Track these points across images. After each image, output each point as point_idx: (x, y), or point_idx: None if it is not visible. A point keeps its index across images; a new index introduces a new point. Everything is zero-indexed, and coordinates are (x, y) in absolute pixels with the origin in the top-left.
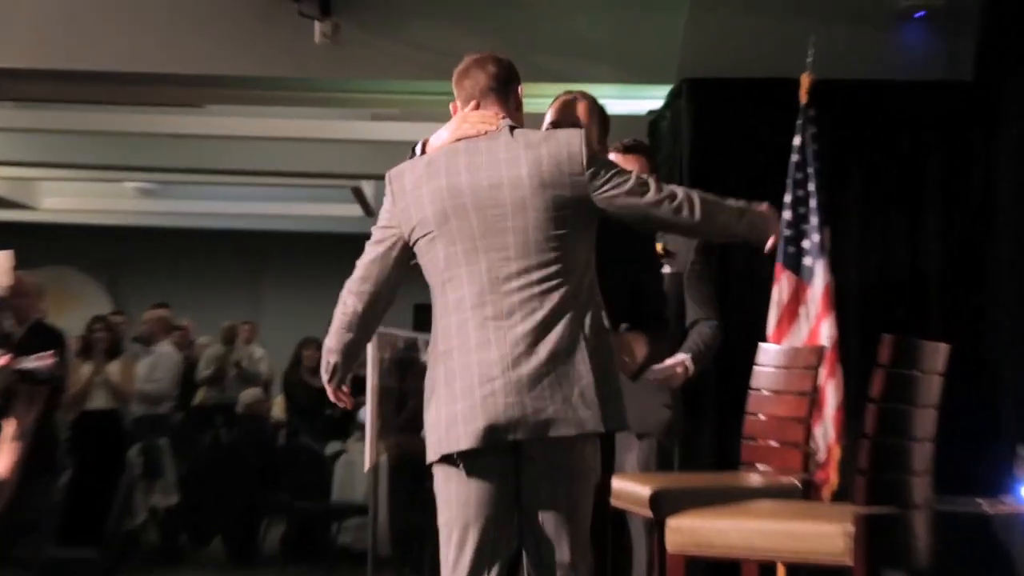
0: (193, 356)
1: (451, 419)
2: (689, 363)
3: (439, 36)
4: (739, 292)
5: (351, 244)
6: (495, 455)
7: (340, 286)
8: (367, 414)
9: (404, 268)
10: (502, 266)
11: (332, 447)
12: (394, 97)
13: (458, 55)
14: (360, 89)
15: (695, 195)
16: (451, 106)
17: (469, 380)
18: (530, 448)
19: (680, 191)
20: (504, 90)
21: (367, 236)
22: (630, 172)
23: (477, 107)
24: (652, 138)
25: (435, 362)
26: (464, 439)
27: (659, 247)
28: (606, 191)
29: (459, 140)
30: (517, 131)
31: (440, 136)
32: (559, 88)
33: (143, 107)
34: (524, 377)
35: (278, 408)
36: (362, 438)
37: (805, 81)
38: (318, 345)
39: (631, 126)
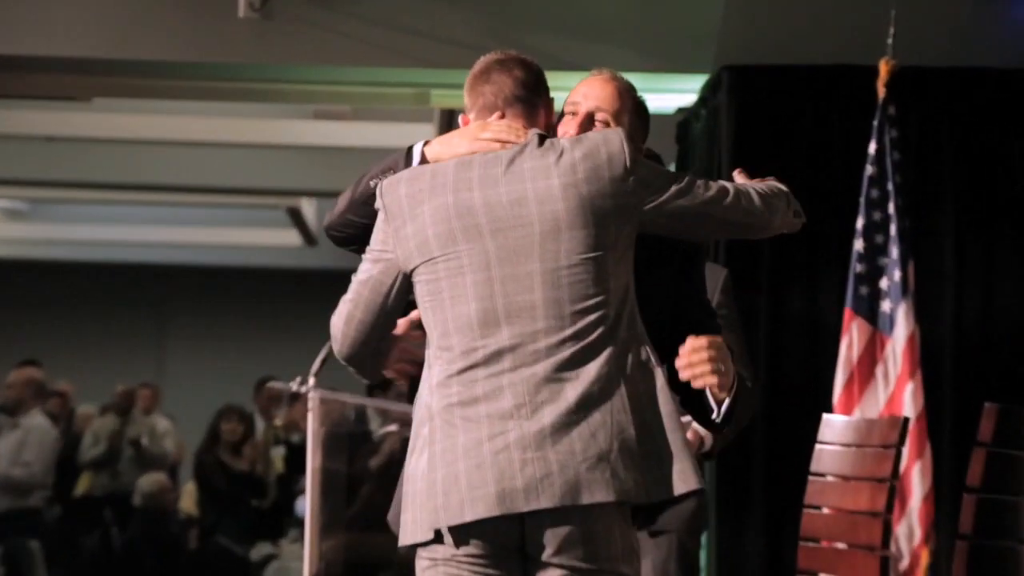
0: (75, 430)
1: (450, 482)
2: (704, 432)
3: (404, 11)
4: (795, 344)
5: (287, 282)
6: (501, 551)
7: (272, 336)
8: (306, 506)
9: (402, 298)
10: (524, 301)
11: (260, 550)
12: (343, 90)
13: (429, 36)
14: (298, 79)
15: (740, 186)
16: (460, 119)
17: (475, 434)
18: (545, 537)
19: (727, 184)
20: (533, 101)
21: (308, 272)
22: (674, 172)
23: (501, 118)
24: (682, 144)
25: (424, 419)
26: (468, 507)
27: None
28: (656, 199)
29: (476, 152)
30: (548, 140)
31: (452, 143)
32: (564, 78)
33: (8, 100)
34: (548, 427)
35: (188, 499)
36: (299, 538)
37: (884, 69)
38: (241, 415)
39: (655, 128)
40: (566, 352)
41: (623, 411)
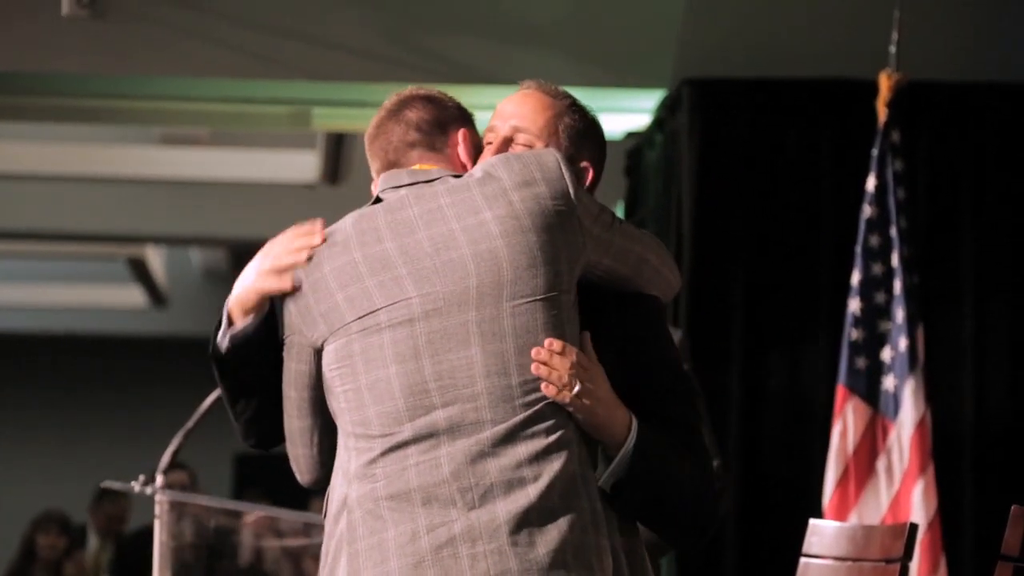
0: None
1: None
2: None
3: (278, 9)
4: (774, 430)
5: (128, 353)
6: None
7: (108, 423)
8: None
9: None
10: (459, 359)
11: None
12: (198, 108)
13: (310, 41)
14: (140, 94)
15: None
16: (372, 186)
17: (409, 525)
18: None
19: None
20: (433, 142)
21: (155, 340)
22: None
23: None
24: (632, 176)
25: (338, 513)
26: None
27: None
28: (601, 236)
29: (375, 204)
30: (464, 175)
31: (243, 283)
32: (484, 94)
33: None
34: (502, 515)
35: None
36: None
37: (886, 83)
38: (63, 525)
39: None
40: (517, 417)
41: (587, 497)
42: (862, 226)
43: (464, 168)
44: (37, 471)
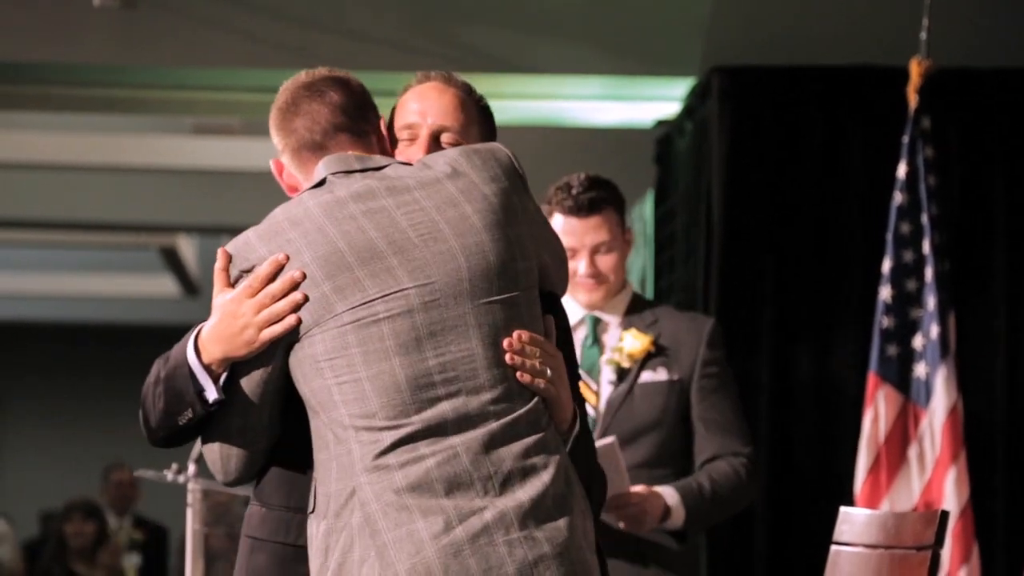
0: None
1: None
2: (675, 503)
3: (306, 4)
4: (805, 418)
5: (161, 342)
6: None
7: (138, 412)
8: None
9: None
10: (461, 352)
11: None
12: (229, 98)
13: (336, 31)
14: (171, 84)
15: None
16: (272, 163)
17: (440, 516)
18: None
19: None
20: (360, 127)
21: (188, 329)
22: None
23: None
24: (662, 164)
25: (341, 508)
26: None
27: (647, 340)
28: (542, 229)
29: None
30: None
31: (217, 331)
32: (511, 83)
33: None
34: (527, 502)
35: None
36: None
37: (916, 70)
38: (88, 512)
39: (629, 145)
40: (519, 408)
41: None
42: (893, 213)
43: (384, 155)
44: (70, 460)
